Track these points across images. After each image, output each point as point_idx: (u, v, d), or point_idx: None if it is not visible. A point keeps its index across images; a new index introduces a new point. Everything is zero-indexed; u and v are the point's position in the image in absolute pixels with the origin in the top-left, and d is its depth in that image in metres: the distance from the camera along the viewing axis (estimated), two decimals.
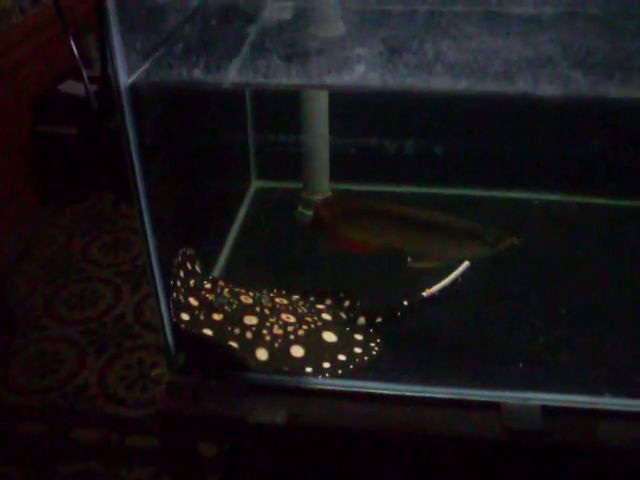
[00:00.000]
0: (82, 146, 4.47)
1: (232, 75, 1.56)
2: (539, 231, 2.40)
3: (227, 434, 1.89)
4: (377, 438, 1.82)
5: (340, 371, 1.82)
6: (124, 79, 1.53)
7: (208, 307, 1.91)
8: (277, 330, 1.89)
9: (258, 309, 1.94)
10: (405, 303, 2.04)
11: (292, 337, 1.88)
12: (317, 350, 1.87)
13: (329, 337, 1.91)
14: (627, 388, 1.82)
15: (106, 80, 1.41)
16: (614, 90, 1.50)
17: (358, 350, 1.89)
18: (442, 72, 1.49)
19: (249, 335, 1.87)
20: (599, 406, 1.80)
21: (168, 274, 1.82)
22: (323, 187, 2.47)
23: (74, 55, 1.74)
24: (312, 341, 1.89)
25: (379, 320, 2.02)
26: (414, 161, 2.42)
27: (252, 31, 1.89)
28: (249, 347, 1.84)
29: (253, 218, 2.53)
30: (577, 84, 1.50)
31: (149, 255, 1.74)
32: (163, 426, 1.90)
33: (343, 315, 2.03)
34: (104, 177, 4.64)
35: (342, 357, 1.86)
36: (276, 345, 1.86)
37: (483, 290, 2.15)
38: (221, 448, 2.76)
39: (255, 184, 2.71)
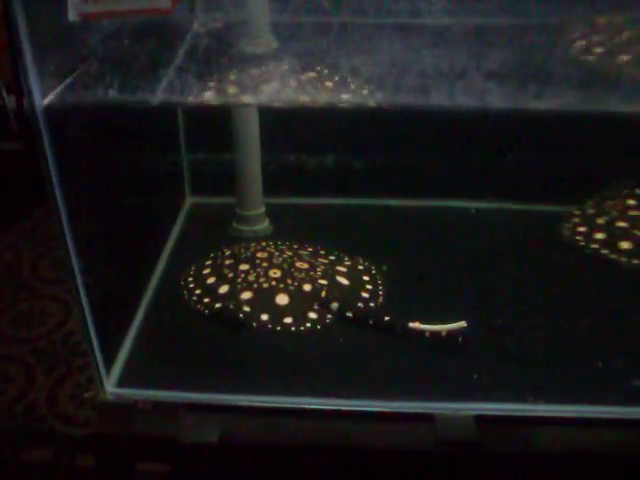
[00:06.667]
0: (27, 162, 4.41)
1: (146, 94, 1.55)
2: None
3: (161, 454, 1.87)
4: (311, 454, 1.82)
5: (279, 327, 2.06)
6: (39, 101, 1.51)
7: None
8: (250, 277, 2.19)
9: (258, 261, 2.25)
10: (386, 318, 2.06)
11: (255, 285, 2.17)
12: (264, 302, 2.13)
13: (281, 299, 2.15)
14: (560, 394, 1.84)
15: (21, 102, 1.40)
16: (530, 101, 1.51)
17: (312, 315, 2.12)
18: (357, 86, 1.49)
19: (230, 274, 2.22)
20: (532, 413, 1.81)
21: (95, 295, 1.80)
22: (256, 202, 2.47)
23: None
24: (266, 294, 2.16)
25: (349, 315, 2.11)
26: (346, 174, 2.44)
27: (178, 48, 1.88)
28: (222, 281, 2.21)
29: (188, 234, 2.52)
30: (493, 96, 1.51)
31: (74, 277, 1.72)
32: (97, 448, 1.88)
33: (323, 293, 2.17)
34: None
35: (288, 319, 2.09)
36: (238, 287, 2.17)
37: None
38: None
39: (190, 200, 2.71)
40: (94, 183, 1.89)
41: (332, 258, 2.36)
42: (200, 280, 2.26)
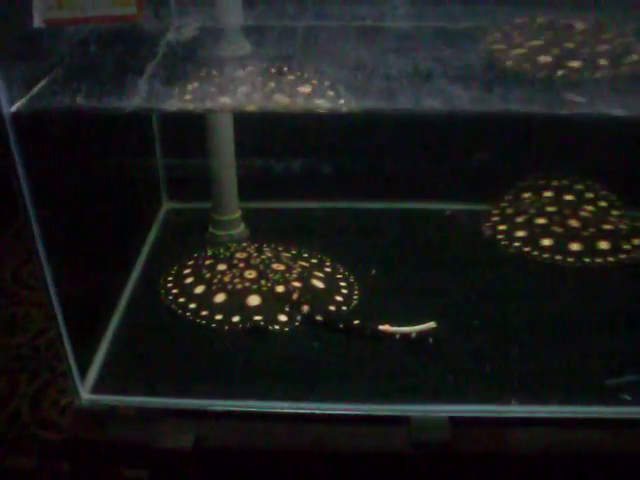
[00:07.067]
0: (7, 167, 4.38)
1: (118, 100, 1.54)
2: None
3: (135, 460, 1.87)
4: (286, 457, 1.82)
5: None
6: (6, 108, 1.51)
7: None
8: (226, 278, 2.21)
9: (236, 261, 2.28)
10: (355, 322, 2.06)
11: (229, 287, 2.19)
12: (236, 303, 2.15)
13: (253, 300, 2.16)
14: (533, 395, 1.85)
15: None
16: (496, 104, 1.52)
17: (282, 318, 2.11)
18: (324, 91, 1.50)
19: (208, 275, 2.25)
20: (506, 414, 1.82)
21: (69, 301, 1.80)
22: (232, 207, 2.47)
23: None
24: (236, 296, 2.17)
25: (319, 319, 2.10)
26: (320, 177, 2.44)
27: (150, 54, 1.87)
28: (199, 281, 2.24)
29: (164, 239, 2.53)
30: (459, 99, 1.51)
31: (46, 283, 1.72)
32: (71, 453, 1.87)
33: (295, 296, 2.16)
34: None
35: (258, 317, 2.10)
36: (213, 287, 2.19)
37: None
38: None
39: (166, 206, 2.71)
40: (68, 190, 1.88)
41: (313, 261, 2.36)
42: (179, 280, 2.28)
